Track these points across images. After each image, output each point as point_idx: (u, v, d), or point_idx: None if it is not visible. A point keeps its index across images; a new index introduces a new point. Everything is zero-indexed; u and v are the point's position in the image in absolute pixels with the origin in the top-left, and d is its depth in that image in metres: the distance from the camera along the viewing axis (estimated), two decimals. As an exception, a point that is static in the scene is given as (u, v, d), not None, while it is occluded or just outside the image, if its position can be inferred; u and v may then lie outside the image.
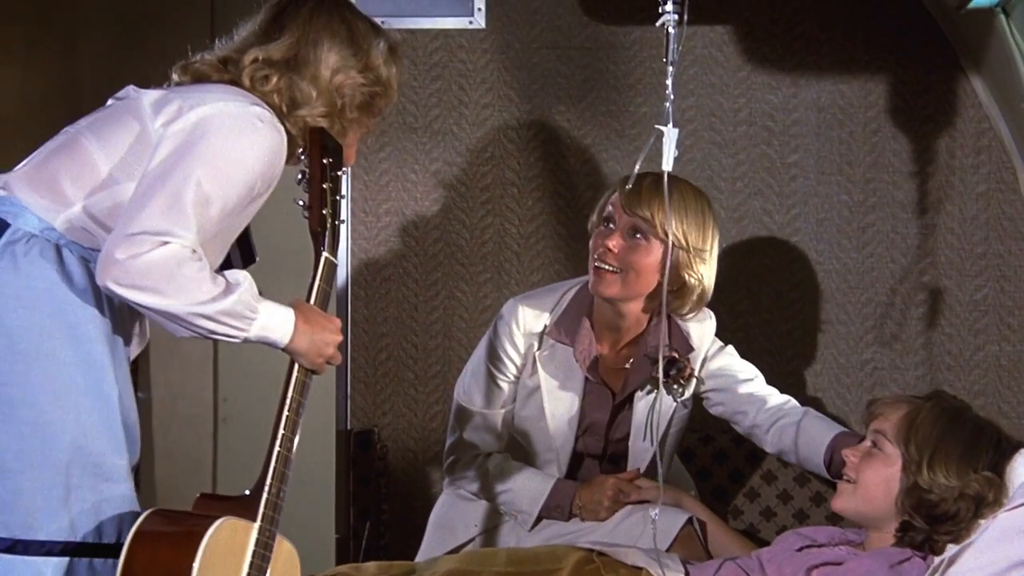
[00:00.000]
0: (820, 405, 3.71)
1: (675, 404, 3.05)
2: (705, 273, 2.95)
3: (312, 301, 2.41)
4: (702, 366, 3.10)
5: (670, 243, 2.86)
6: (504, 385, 3.09)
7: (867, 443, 2.63)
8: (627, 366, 3.06)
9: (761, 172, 3.70)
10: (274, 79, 2.39)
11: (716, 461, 3.59)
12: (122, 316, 2.32)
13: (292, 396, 2.37)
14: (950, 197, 3.67)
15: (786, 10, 3.66)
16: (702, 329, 3.09)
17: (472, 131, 3.72)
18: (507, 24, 3.69)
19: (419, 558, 3.05)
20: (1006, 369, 3.69)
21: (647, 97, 3.68)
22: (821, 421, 3.02)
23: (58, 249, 2.25)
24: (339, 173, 2.45)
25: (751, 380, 3.13)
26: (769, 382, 3.70)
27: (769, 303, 3.71)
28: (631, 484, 3.02)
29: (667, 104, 2.43)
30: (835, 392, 3.71)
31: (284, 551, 2.40)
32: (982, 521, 2.42)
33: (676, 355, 3.00)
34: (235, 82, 2.39)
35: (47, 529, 2.21)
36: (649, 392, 3.04)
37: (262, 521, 2.31)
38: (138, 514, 2.25)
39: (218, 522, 2.23)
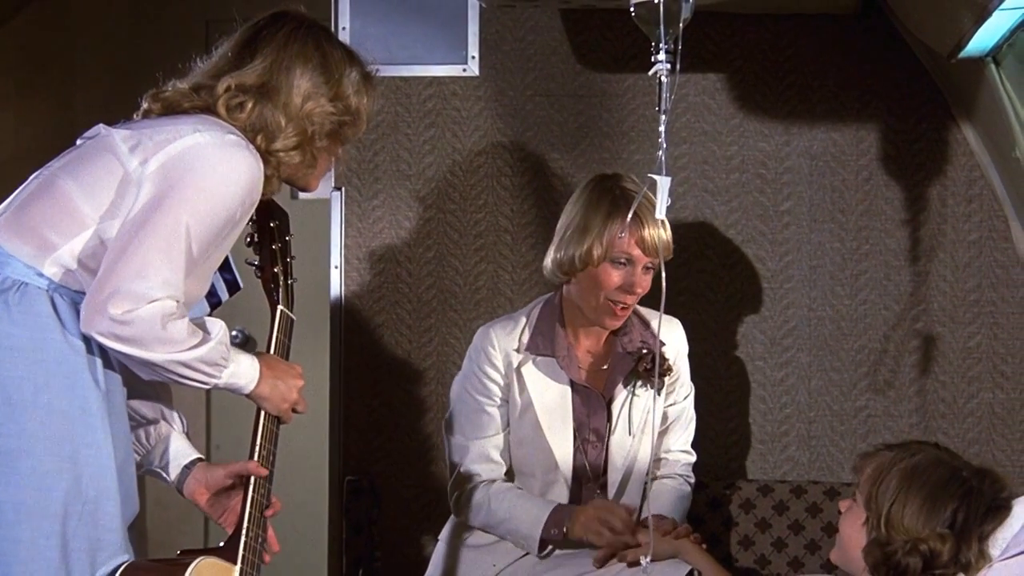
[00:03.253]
0: (815, 452, 3.71)
1: (657, 398, 3.11)
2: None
3: (272, 351, 2.47)
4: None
5: (663, 274, 2.89)
6: (492, 411, 3.12)
7: (851, 497, 2.63)
8: (604, 367, 3.12)
9: (754, 219, 3.71)
10: (248, 105, 2.38)
11: (709, 508, 3.58)
12: (114, 362, 2.31)
13: (261, 444, 2.41)
14: (942, 245, 3.68)
15: (778, 58, 3.69)
16: (669, 327, 3.21)
17: (466, 178, 3.73)
18: (500, 72, 3.71)
19: None
20: (1000, 417, 3.69)
21: (640, 144, 3.69)
22: (660, 498, 3.16)
23: (50, 296, 2.24)
24: (288, 237, 2.55)
25: (674, 422, 3.23)
26: (762, 429, 3.71)
27: (762, 350, 3.71)
28: (615, 514, 3.01)
29: (660, 152, 2.43)
30: (829, 440, 3.71)
31: None
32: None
33: (654, 350, 3.07)
34: (208, 109, 2.39)
35: None
36: (628, 389, 3.11)
37: (242, 563, 2.32)
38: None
39: (197, 560, 2.24)
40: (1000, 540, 2.45)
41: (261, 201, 2.41)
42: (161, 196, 2.23)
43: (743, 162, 3.71)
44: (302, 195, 5.07)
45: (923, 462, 2.54)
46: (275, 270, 2.51)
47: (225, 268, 2.55)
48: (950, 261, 3.68)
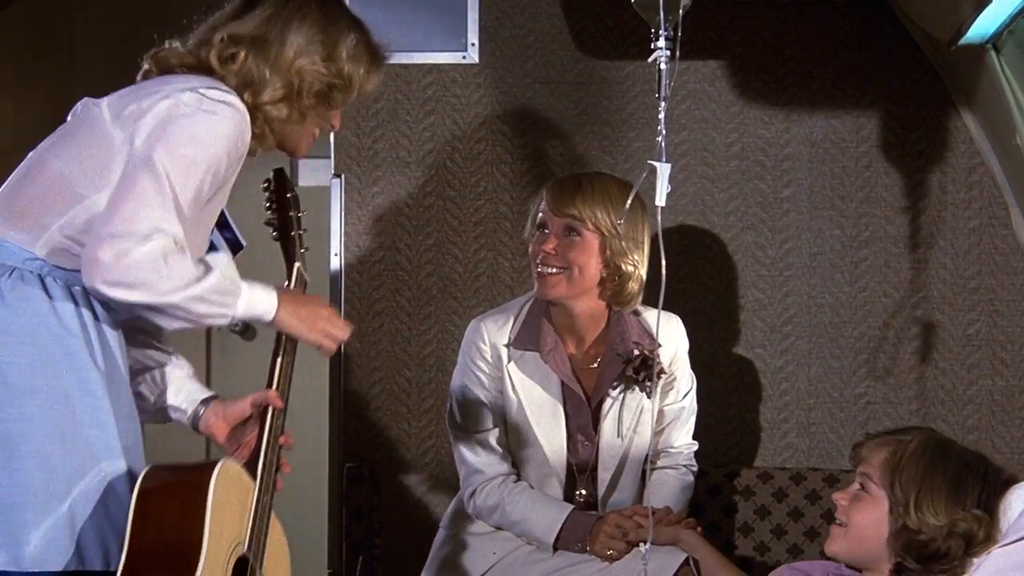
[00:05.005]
0: (815, 439, 3.71)
1: (649, 400, 3.10)
2: (640, 260, 3.04)
3: None
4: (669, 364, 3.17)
5: (662, 273, 2.88)
6: (489, 402, 3.12)
7: (855, 486, 2.61)
8: (594, 365, 3.11)
9: (754, 207, 3.71)
10: (240, 56, 2.40)
11: (709, 496, 3.58)
12: (112, 341, 2.31)
13: (278, 380, 2.48)
14: (942, 232, 3.68)
15: (778, 45, 3.68)
16: (668, 326, 3.16)
17: (465, 165, 3.73)
18: (500, 59, 3.71)
19: None
20: (999, 404, 3.69)
21: (640, 132, 3.69)
22: (662, 488, 3.17)
23: (41, 279, 2.24)
24: (301, 212, 2.62)
25: (673, 421, 3.22)
26: (762, 418, 3.71)
27: (762, 338, 3.71)
28: (631, 520, 3.02)
29: (660, 139, 2.43)
30: (828, 427, 3.71)
31: (277, 530, 2.46)
32: (975, 560, 2.41)
33: (647, 352, 3.06)
34: (202, 64, 2.41)
35: (56, 561, 2.20)
36: (618, 389, 3.09)
37: (260, 482, 2.39)
38: None
39: (224, 460, 2.29)
40: (999, 524, 2.46)
41: (278, 171, 2.51)
42: (145, 153, 2.24)
43: (743, 149, 3.71)
44: (302, 181, 5.10)
45: (941, 445, 2.56)
46: (292, 234, 2.57)
47: (224, 227, 2.56)
48: (950, 248, 3.68)
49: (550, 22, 3.71)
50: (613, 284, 3.04)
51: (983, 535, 2.44)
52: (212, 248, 2.46)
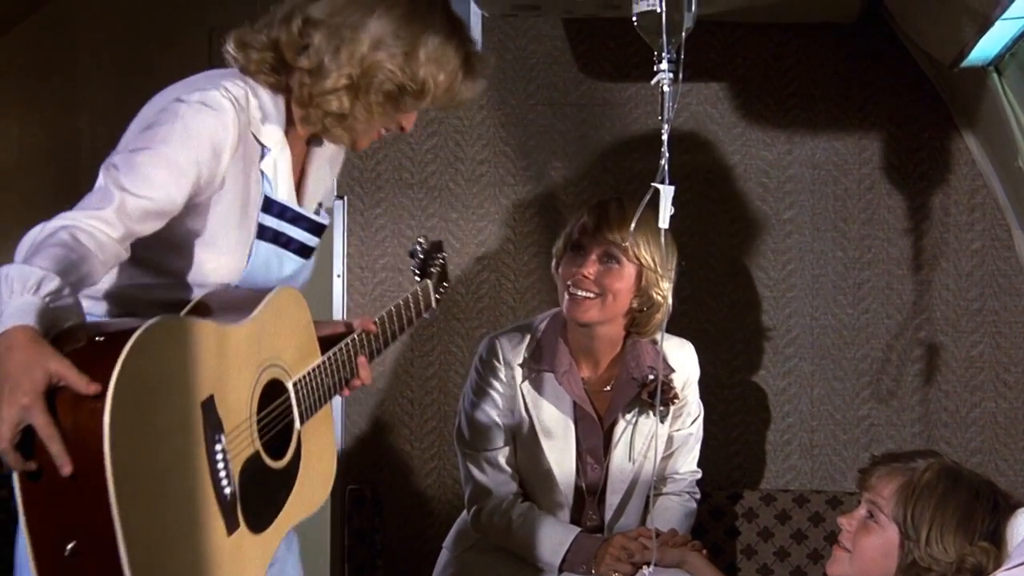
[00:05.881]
0: (818, 461, 3.70)
1: (660, 425, 3.11)
2: (668, 288, 3.03)
3: (384, 314, 2.46)
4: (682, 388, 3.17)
5: (668, 293, 2.88)
6: (499, 420, 3.10)
7: (862, 511, 2.60)
8: (607, 388, 3.10)
9: (756, 228, 3.71)
10: (315, 41, 2.21)
11: (712, 518, 3.57)
12: None
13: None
14: (945, 254, 3.68)
15: (780, 68, 3.69)
16: (682, 354, 3.17)
17: (468, 187, 3.73)
18: (503, 81, 3.71)
19: None
20: (1003, 426, 3.68)
21: (642, 154, 3.69)
22: (666, 513, 3.18)
23: None
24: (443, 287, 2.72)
25: (680, 447, 3.22)
26: (765, 440, 3.70)
27: (765, 359, 3.71)
28: (636, 542, 3.02)
29: (662, 161, 2.43)
30: (831, 449, 3.70)
31: (329, 430, 2.36)
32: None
33: (663, 377, 3.07)
34: (277, 49, 2.23)
35: None
36: (631, 413, 3.09)
37: (327, 359, 2.28)
38: None
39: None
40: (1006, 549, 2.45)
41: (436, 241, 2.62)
42: (126, 143, 2.17)
43: (745, 171, 3.71)
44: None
45: (946, 477, 2.54)
46: (430, 280, 2.66)
47: (297, 220, 2.44)
48: (953, 270, 3.68)
49: (552, 44, 3.72)
50: (641, 314, 3.03)
51: (992, 567, 2.42)
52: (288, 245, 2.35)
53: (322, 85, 2.22)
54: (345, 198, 3.70)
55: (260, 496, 2.07)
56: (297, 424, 2.18)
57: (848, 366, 3.71)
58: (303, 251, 2.38)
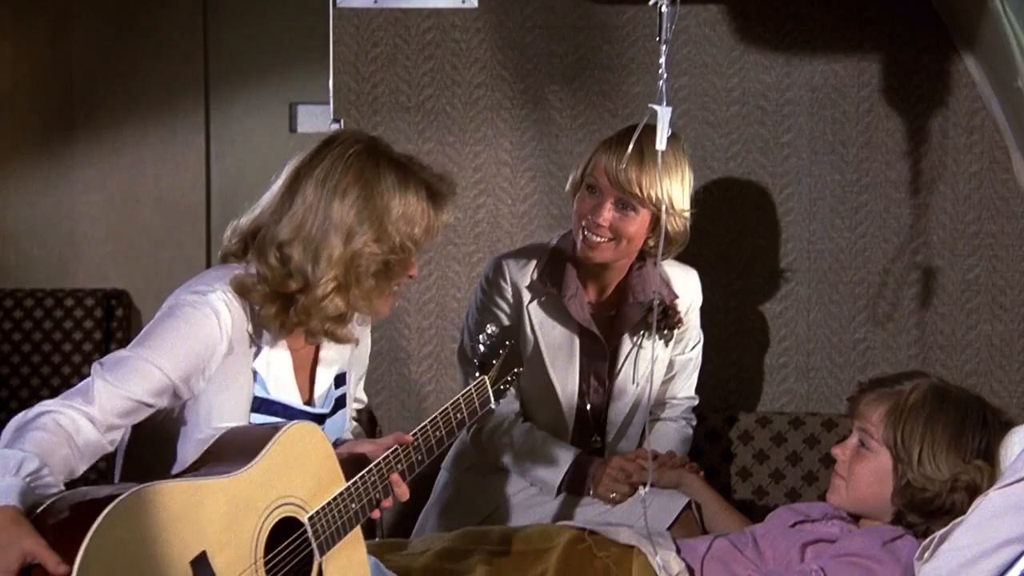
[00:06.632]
0: (814, 384, 3.72)
1: (666, 349, 3.14)
2: (685, 223, 3.04)
3: (438, 414, 2.43)
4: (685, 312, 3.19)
5: (664, 221, 2.88)
6: None
7: (854, 440, 2.62)
8: (613, 313, 3.11)
9: (754, 152, 3.70)
10: (295, 256, 2.27)
11: (708, 440, 3.60)
12: None
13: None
14: (943, 177, 3.67)
15: (779, -11, 3.66)
16: (686, 279, 3.19)
17: (465, 111, 3.71)
18: (500, 4, 3.68)
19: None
20: (998, 348, 3.70)
21: (640, 77, 3.67)
22: (663, 438, 3.20)
23: None
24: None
25: (679, 372, 3.25)
26: (761, 363, 3.72)
27: (762, 283, 3.72)
28: (634, 463, 3.04)
29: (660, 83, 2.42)
30: (827, 371, 3.72)
31: (360, 552, 2.34)
32: (976, 503, 2.42)
33: (667, 302, 3.09)
34: (271, 283, 2.29)
35: None
36: (636, 337, 3.11)
37: (354, 484, 2.29)
38: None
39: (290, 424, 2.23)
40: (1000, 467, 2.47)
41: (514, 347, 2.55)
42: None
43: (744, 94, 3.69)
44: (301, 128, 5.08)
45: (933, 396, 2.55)
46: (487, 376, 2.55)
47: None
48: (950, 193, 3.68)
49: (550, -34, 3.68)
50: (655, 246, 3.00)
51: (987, 485, 2.44)
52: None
53: (314, 295, 2.26)
54: (341, 122, 3.69)
55: None
56: (317, 556, 2.22)
57: (845, 290, 3.72)
58: (321, 419, 2.42)
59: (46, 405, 2.10)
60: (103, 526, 1.88)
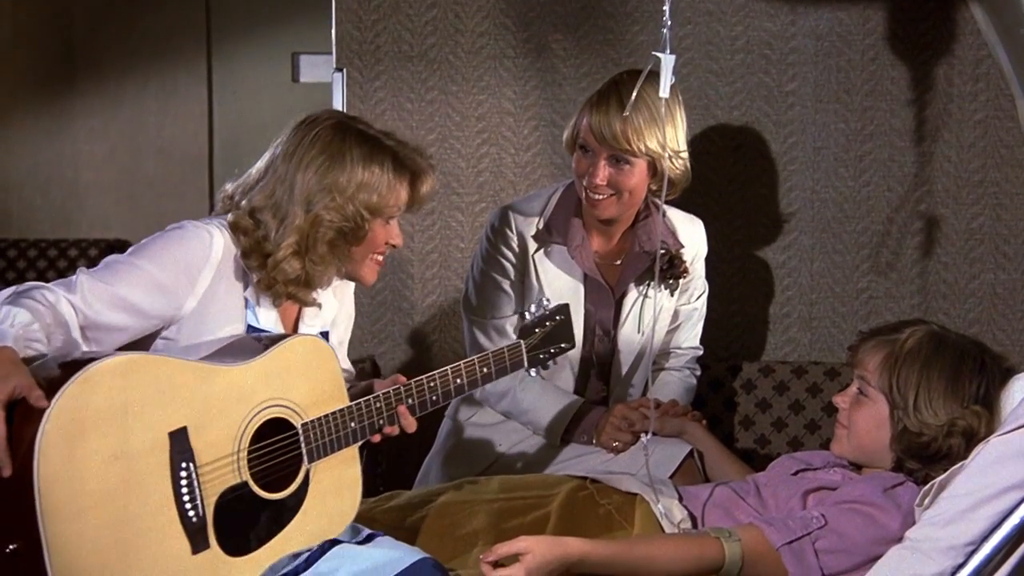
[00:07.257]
0: (816, 333, 3.73)
1: (672, 298, 3.14)
2: (685, 163, 3.02)
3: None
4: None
5: (665, 170, 2.88)
6: (508, 289, 3.12)
7: (854, 388, 2.63)
8: (618, 262, 3.11)
9: (758, 100, 3.69)
10: (266, 221, 2.42)
11: (711, 389, 3.61)
12: None
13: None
14: (947, 125, 3.66)
15: (784, -64, 3.63)
16: (692, 229, 3.19)
17: (468, 59, 3.70)
18: (503, -49, 3.66)
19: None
20: (1001, 297, 3.70)
21: (644, 25, 3.65)
22: (667, 387, 3.22)
23: None
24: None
25: (684, 321, 3.25)
26: (765, 313, 3.72)
27: (765, 232, 3.71)
28: (636, 411, 3.05)
29: (664, 31, 2.41)
30: (830, 320, 3.73)
31: (354, 467, 2.40)
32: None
33: (672, 251, 3.09)
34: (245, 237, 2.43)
35: None
36: (642, 286, 3.11)
37: (355, 405, 2.37)
38: None
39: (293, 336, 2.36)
40: (1000, 414, 2.48)
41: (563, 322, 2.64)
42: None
43: (748, 42, 3.67)
44: (303, 77, 5.07)
45: (929, 342, 2.56)
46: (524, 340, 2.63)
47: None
48: (955, 141, 3.67)
49: (553, -88, 3.66)
50: (657, 190, 2.99)
51: (984, 431, 2.45)
52: None
53: (275, 258, 2.40)
54: (344, 71, 3.67)
55: (242, 522, 2.21)
56: (306, 462, 2.28)
57: (848, 239, 3.72)
58: None
59: (35, 284, 2.22)
60: (91, 376, 2.01)
